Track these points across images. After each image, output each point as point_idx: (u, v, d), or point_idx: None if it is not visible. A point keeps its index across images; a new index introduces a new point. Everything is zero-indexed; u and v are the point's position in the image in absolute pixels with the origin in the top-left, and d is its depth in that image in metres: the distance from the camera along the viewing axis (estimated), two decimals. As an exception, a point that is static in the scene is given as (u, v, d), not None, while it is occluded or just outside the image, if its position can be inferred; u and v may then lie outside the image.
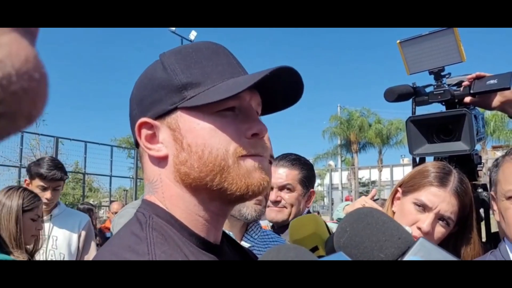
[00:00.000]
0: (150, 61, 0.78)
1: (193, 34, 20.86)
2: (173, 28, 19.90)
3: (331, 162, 29.47)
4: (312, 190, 2.01)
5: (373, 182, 23.12)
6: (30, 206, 2.17)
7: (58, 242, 2.51)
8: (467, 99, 1.56)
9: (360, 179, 25.98)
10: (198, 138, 0.70)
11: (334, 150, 28.77)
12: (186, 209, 0.72)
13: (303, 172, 1.96)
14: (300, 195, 1.95)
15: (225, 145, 0.70)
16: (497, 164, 1.28)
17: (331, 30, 75.49)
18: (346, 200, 21.58)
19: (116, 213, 5.97)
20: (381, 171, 24.02)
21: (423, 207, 1.33)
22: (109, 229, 6.07)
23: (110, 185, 12.28)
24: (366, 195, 1.76)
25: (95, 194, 23.71)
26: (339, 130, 27.97)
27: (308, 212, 1.97)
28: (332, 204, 18.60)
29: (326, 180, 23.12)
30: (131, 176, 15.17)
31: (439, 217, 1.33)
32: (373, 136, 27.36)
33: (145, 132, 0.73)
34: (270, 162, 1.27)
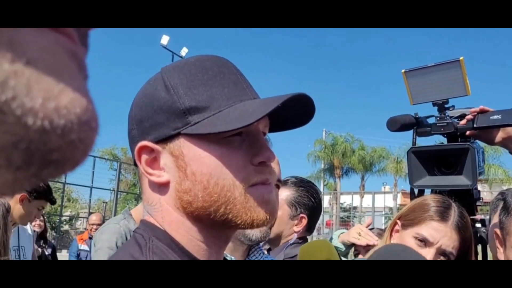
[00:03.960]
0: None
1: (184, 50, 20.88)
2: (165, 43, 19.93)
3: (314, 186, 29.50)
4: (302, 215, 1.97)
5: (355, 208, 23.17)
6: (10, 209, 2.09)
7: (26, 252, 2.59)
8: (469, 132, 1.54)
9: (342, 204, 26.03)
10: (203, 166, 0.65)
11: (317, 174, 28.83)
12: (187, 234, 0.68)
13: (294, 194, 1.94)
14: (284, 215, 1.92)
15: (231, 176, 0.65)
16: (508, 208, 1.22)
17: (323, 53, 76.76)
18: (327, 224, 21.57)
19: (94, 224, 5.84)
20: (362, 197, 24.13)
21: (424, 242, 1.30)
22: (85, 240, 5.93)
23: (90, 196, 12.01)
24: (347, 221, 1.73)
25: (73, 204, 23.19)
26: (323, 154, 28.14)
27: (304, 238, 1.92)
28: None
29: (308, 204, 23.03)
30: (111, 189, 14.90)
31: (440, 252, 1.30)
32: (356, 162, 27.57)
33: (145, 156, 0.69)
34: (278, 187, 1.23)
